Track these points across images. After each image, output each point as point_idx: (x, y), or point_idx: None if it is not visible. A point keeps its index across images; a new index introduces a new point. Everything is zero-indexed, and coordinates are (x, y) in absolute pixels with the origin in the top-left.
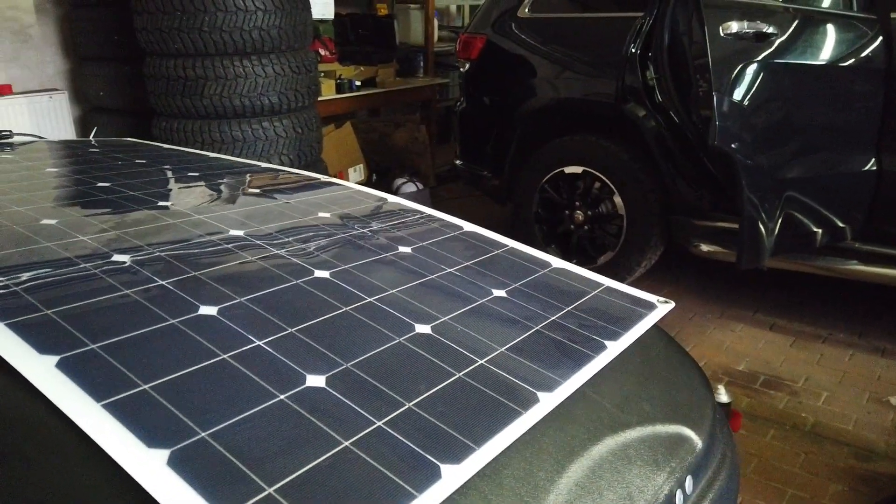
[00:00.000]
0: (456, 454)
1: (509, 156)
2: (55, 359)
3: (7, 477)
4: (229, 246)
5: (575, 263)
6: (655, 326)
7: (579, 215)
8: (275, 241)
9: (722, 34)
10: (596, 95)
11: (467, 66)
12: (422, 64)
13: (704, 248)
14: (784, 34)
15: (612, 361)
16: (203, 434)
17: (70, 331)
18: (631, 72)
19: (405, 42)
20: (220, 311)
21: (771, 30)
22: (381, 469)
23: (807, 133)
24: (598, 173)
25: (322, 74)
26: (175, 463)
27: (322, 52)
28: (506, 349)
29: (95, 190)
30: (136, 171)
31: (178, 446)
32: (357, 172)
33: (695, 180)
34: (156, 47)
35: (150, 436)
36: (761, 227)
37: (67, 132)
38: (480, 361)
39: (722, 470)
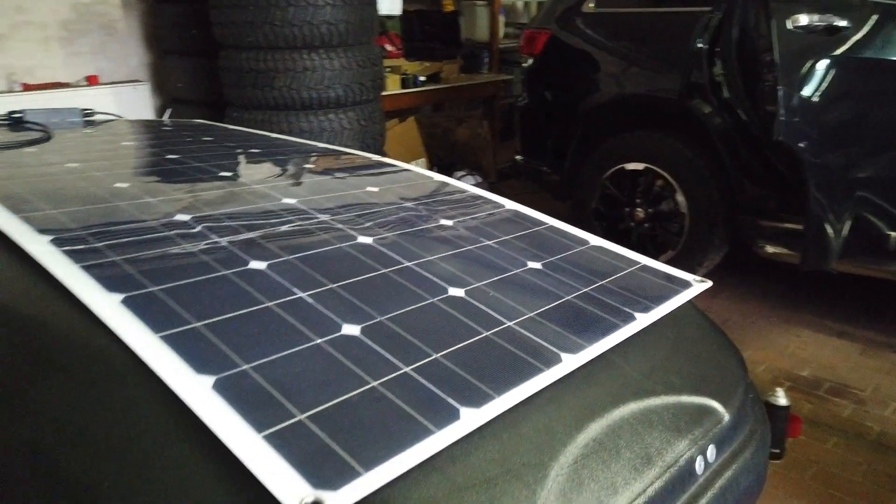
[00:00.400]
0: (476, 400)
1: (570, 151)
2: (121, 296)
3: (75, 396)
4: (281, 212)
5: None
6: (692, 305)
7: (640, 213)
8: (323, 210)
9: (790, 27)
10: (660, 91)
11: (530, 61)
12: (486, 60)
13: (770, 249)
14: (858, 28)
15: (644, 334)
16: (245, 366)
17: (133, 274)
18: (697, 67)
19: (470, 38)
20: (268, 267)
21: (843, 23)
22: (405, 407)
23: (882, 132)
24: (660, 170)
25: (388, 70)
26: (219, 388)
27: (388, 47)
28: (535, 314)
29: (164, 161)
30: (202, 146)
31: (223, 374)
32: (419, 166)
33: (761, 179)
34: (230, 41)
35: (199, 364)
36: (828, 227)
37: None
38: (508, 323)
39: (749, 444)
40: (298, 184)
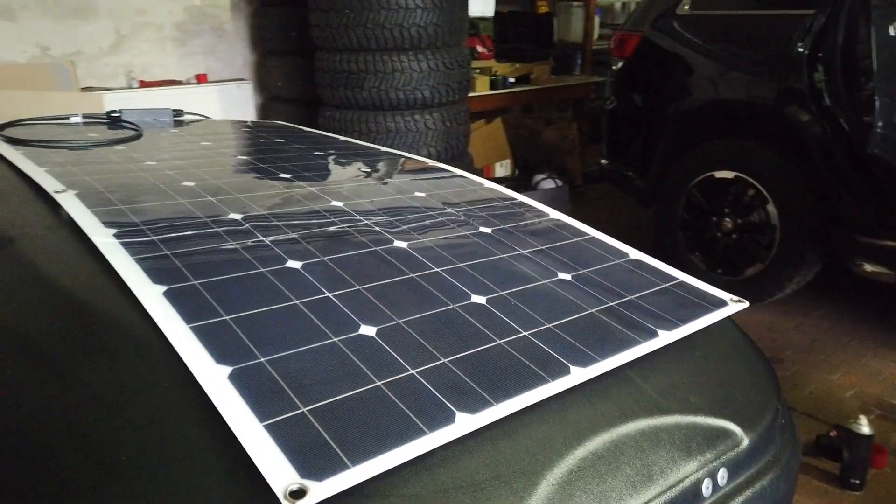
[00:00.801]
0: (473, 405)
1: (657, 157)
2: (164, 288)
3: (112, 374)
4: (327, 214)
5: (719, 273)
6: (733, 325)
7: (728, 223)
8: (367, 213)
9: (893, 34)
10: (756, 97)
11: (620, 64)
12: (579, 61)
13: (868, 267)
14: None
15: (669, 351)
16: (262, 359)
17: (180, 268)
18: (797, 73)
19: (564, 40)
20: (303, 266)
21: None
22: (403, 407)
23: None
24: (751, 179)
25: (477, 71)
26: (234, 377)
27: (479, 48)
28: (553, 325)
29: (233, 161)
30: (272, 147)
31: (240, 365)
32: (503, 167)
33: (860, 192)
34: (326, 42)
35: (220, 355)
36: None
37: (251, 118)
38: (523, 333)
39: (770, 471)
40: (350, 187)
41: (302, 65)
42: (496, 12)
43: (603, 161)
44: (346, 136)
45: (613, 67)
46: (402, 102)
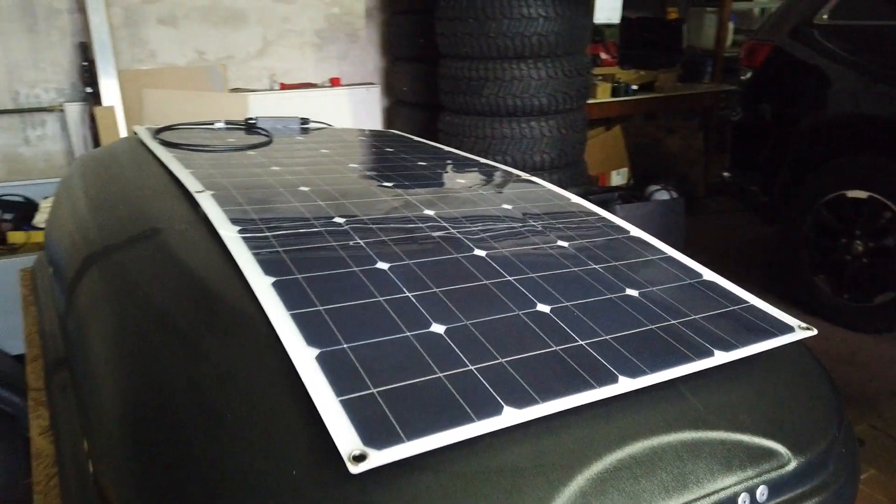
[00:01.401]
0: (520, 402)
1: (784, 172)
2: (273, 279)
3: (226, 348)
4: (419, 221)
5: (845, 299)
6: (804, 351)
7: (858, 245)
8: (454, 222)
9: None
10: None
11: (749, 74)
12: (709, 69)
13: None
14: None
15: (727, 372)
16: (345, 345)
17: (287, 262)
18: None
19: (694, 46)
20: (390, 268)
21: None
22: (458, 397)
23: None
24: (887, 201)
25: (599, 78)
26: (320, 358)
27: (603, 55)
28: (610, 337)
29: (345, 168)
30: (381, 156)
31: (326, 349)
32: (620, 176)
33: None
34: (450, 50)
35: (311, 338)
36: None
37: (376, 121)
38: (580, 342)
39: (817, 495)
40: (444, 197)
41: (426, 71)
42: (624, 18)
43: (726, 174)
44: (462, 140)
45: (742, 77)
46: (518, 109)
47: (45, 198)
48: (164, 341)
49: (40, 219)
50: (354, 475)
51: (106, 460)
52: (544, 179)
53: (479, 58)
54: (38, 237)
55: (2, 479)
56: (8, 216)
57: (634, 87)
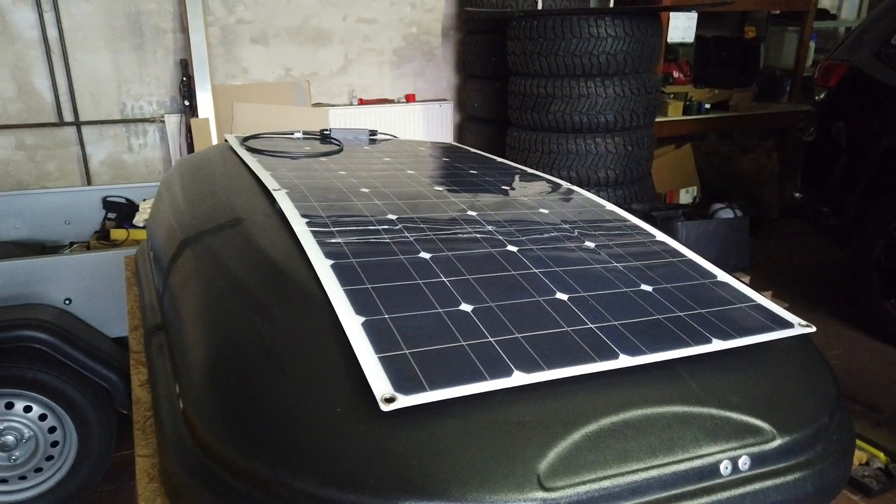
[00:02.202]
0: (529, 367)
1: (856, 194)
2: (331, 262)
3: (294, 314)
4: (461, 220)
5: None
6: (809, 347)
7: None
8: (493, 222)
9: None
10: None
11: (823, 94)
12: (788, 89)
13: None
14: None
15: (726, 358)
16: (386, 316)
17: (345, 249)
18: None
19: (773, 65)
20: (431, 258)
21: None
22: (476, 360)
23: None
24: None
25: (671, 96)
26: (366, 325)
27: (676, 73)
28: (618, 323)
29: (401, 173)
30: (437, 164)
31: (371, 318)
32: (689, 194)
33: None
34: (520, 68)
35: (360, 309)
36: None
37: (448, 135)
38: (590, 325)
39: (797, 470)
40: (487, 201)
41: (497, 88)
42: (699, 37)
43: (797, 194)
44: (528, 155)
45: (817, 98)
46: (584, 126)
47: (144, 199)
48: (242, 307)
49: (140, 218)
50: (385, 413)
51: (193, 399)
52: (609, 195)
53: (547, 76)
54: (137, 234)
55: (96, 449)
56: (112, 215)
57: (707, 105)
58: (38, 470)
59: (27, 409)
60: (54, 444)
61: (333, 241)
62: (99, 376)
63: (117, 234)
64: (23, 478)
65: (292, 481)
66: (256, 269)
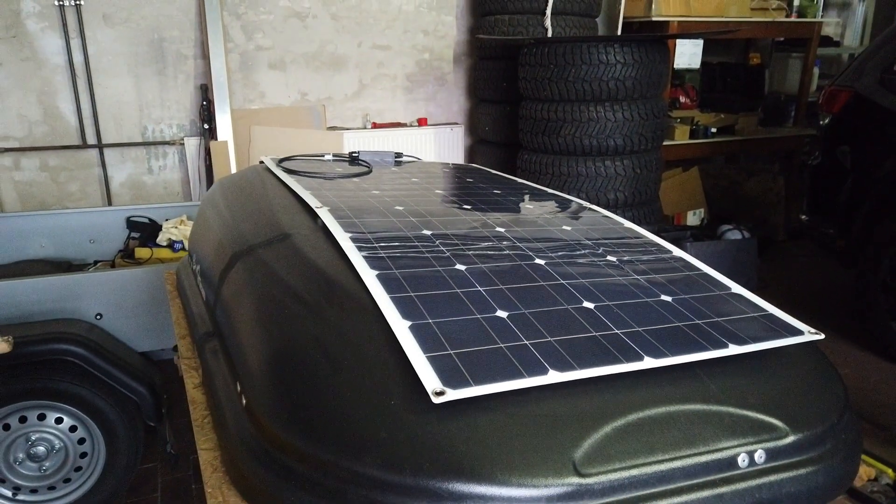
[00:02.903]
0: (562, 367)
1: (861, 216)
2: (377, 272)
3: (344, 318)
4: (491, 237)
5: None
6: (818, 354)
7: None
8: (521, 238)
9: None
10: None
11: (828, 119)
12: (793, 114)
13: None
14: None
15: (743, 363)
16: (430, 320)
17: (387, 261)
18: None
19: (778, 91)
20: (466, 269)
21: None
22: (514, 361)
23: None
24: None
25: (677, 120)
26: (413, 328)
27: (682, 98)
28: (641, 329)
29: (430, 193)
30: (461, 184)
31: (416, 322)
32: (696, 216)
33: None
34: (531, 93)
35: (406, 314)
36: None
37: (459, 158)
38: (616, 331)
39: (809, 465)
40: (513, 218)
41: (508, 112)
42: (705, 63)
43: (803, 217)
44: (539, 177)
45: (821, 122)
46: (594, 149)
47: (167, 219)
48: (296, 313)
49: (163, 237)
50: (435, 405)
51: (255, 395)
52: (636, 226)
53: (558, 100)
54: (160, 253)
55: (123, 461)
56: (135, 235)
57: (713, 129)
58: (67, 480)
59: (58, 420)
60: (83, 455)
61: (376, 253)
62: (128, 389)
63: (141, 252)
64: (52, 488)
65: (353, 465)
66: (309, 278)
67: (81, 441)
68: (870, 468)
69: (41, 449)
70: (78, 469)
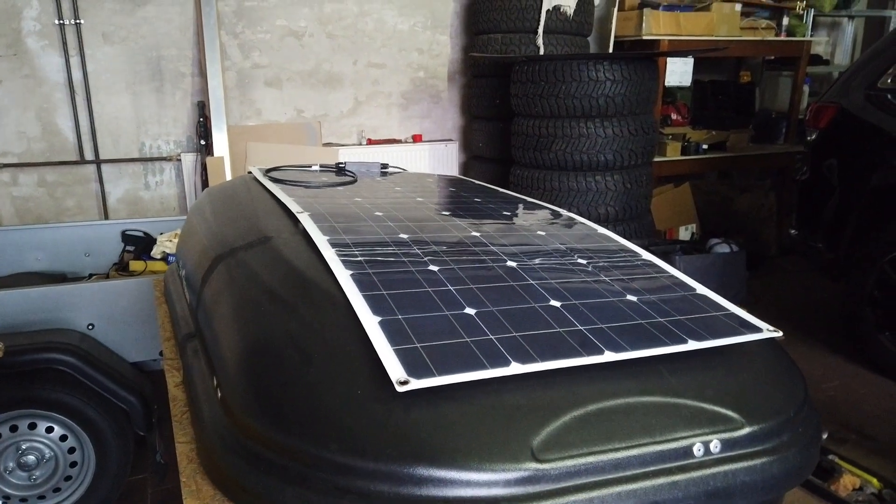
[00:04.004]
0: (524, 359)
1: (849, 230)
2: (351, 272)
3: (318, 313)
4: (465, 240)
5: None
6: (779, 352)
7: None
8: (495, 242)
9: None
10: None
11: (815, 134)
12: (783, 131)
13: None
14: None
15: (703, 359)
16: (399, 316)
17: (362, 262)
18: None
19: (769, 108)
20: (439, 270)
21: None
22: (478, 353)
23: None
24: None
25: (669, 137)
26: (382, 324)
27: (674, 115)
28: (604, 325)
29: (411, 200)
30: (443, 193)
31: (387, 317)
32: (688, 231)
33: None
34: (522, 110)
35: (376, 310)
36: None
37: (453, 173)
38: (580, 327)
39: (764, 455)
40: (489, 224)
41: (501, 128)
42: (696, 81)
43: (792, 231)
44: (531, 192)
45: (808, 138)
46: (585, 164)
47: (162, 233)
48: (273, 309)
49: (157, 251)
50: (399, 394)
51: (230, 388)
52: (609, 231)
53: (549, 117)
54: (154, 266)
55: (113, 470)
56: (130, 248)
57: (705, 146)
58: (57, 490)
59: (49, 429)
60: (73, 464)
61: (352, 255)
62: (119, 398)
63: (136, 265)
64: (42, 497)
65: (319, 450)
66: (285, 278)
67: (72, 450)
68: (855, 478)
69: (31, 458)
70: (68, 478)
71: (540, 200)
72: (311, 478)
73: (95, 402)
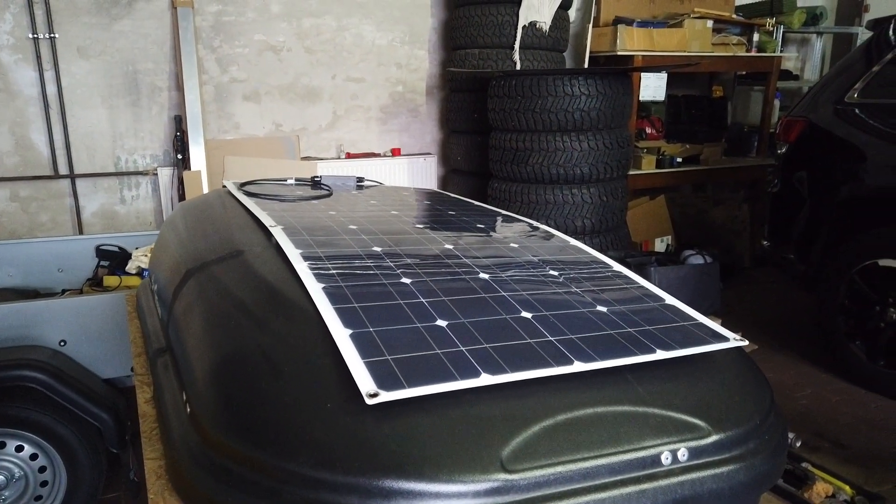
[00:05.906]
0: (495, 370)
1: (819, 242)
2: (323, 285)
3: (290, 328)
4: (439, 253)
5: (881, 366)
6: (746, 360)
7: (893, 313)
8: (466, 253)
9: None
10: None
11: (784, 148)
12: (755, 144)
13: None
14: None
15: (671, 368)
16: (371, 329)
17: (335, 276)
18: None
19: (740, 122)
20: (411, 283)
21: None
22: (448, 365)
23: None
24: None
25: (644, 150)
26: (353, 336)
27: (648, 129)
28: (575, 336)
29: (386, 214)
30: (418, 206)
31: (358, 330)
32: (664, 243)
33: None
34: (500, 124)
35: (348, 323)
36: None
37: (432, 187)
38: (550, 338)
39: (731, 463)
40: (462, 237)
41: (479, 142)
42: (670, 96)
43: (765, 242)
44: (509, 205)
45: (779, 151)
46: (561, 177)
47: (137, 248)
48: (244, 323)
49: (132, 265)
50: (369, 406)
51: (200, 402)
52: (586, 243)
53: (526, 131)
54: (129, 281)
55: (85, 489)
56: (105, 263)
57: (679, 159)
58: None
59: (19, 448)
60: (44, 483)
61: (325, 268)
62: (91, 415)
63: (110, 280)
64: None
65: (288, 464)
66: (257, 292)
67: (42, 469)
68: (828, 485)
69: (0, 478)
70: (38, 498)
71: (518, 213)
72: (282, 492)
73: (67, 420)
